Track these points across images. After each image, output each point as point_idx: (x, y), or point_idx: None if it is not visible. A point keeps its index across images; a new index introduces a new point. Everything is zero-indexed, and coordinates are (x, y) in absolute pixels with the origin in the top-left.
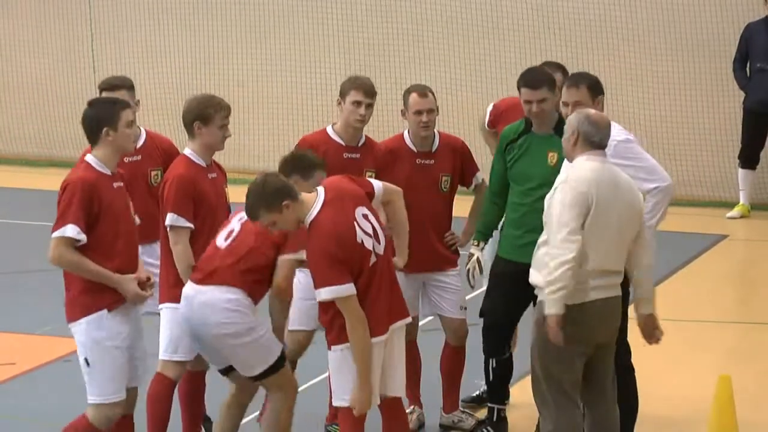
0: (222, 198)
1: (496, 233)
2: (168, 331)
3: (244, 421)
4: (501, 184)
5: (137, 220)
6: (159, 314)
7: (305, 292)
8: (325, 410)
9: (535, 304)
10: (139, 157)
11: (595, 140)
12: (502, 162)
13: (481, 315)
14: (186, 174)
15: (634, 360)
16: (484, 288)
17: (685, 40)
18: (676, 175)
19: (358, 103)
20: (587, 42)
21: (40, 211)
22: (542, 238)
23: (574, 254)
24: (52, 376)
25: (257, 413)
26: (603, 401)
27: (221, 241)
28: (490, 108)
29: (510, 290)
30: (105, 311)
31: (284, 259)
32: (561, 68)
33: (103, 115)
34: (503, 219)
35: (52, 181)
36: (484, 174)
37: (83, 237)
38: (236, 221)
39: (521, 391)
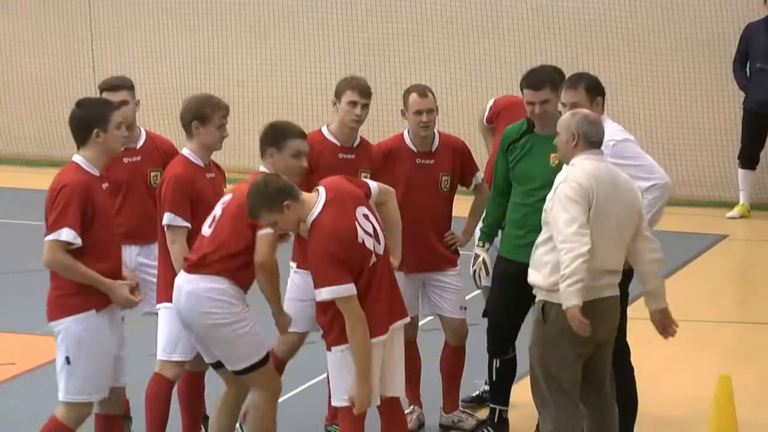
0: (220, 198)
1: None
2: (166, 330)
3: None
4: (504, 184)
5: None
6: (157, 314)
7: (298, 294)
8: (324, 410)
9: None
10: (139, 158)
11: (595, 140)
12: (505, 162)
13: (484, 315)
14: (184, 174)
15: (634, 360)
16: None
17: (684, 40)
18: (676, 175)
19: (354, 104)
20: (587, 42)
21: (40, 211)
22: (541, 238)
23: (588, 247)
24: (52, 376)
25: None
26: (602, 401)
27: (206, 228)
28: (490, 103)
29: (512, 290)
30: (93, 311)
31: (261, 234)
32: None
33: (93, 115)
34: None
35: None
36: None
37: (78, 241)
38: (219, 206)
39: (521, 391)
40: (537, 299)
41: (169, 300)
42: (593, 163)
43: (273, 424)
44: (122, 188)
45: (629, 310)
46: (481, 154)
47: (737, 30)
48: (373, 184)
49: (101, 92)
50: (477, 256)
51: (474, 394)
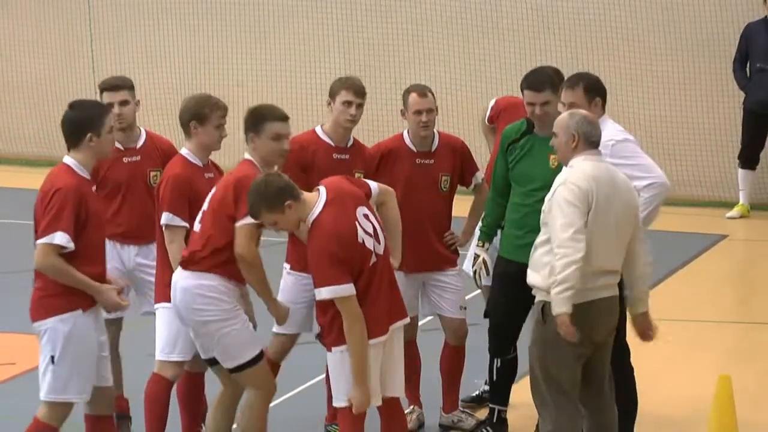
0: None
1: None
2: (165, 330)
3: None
4: (503, 184)
5: None
6: (155, 314)
7: (291, 295)
8: (324, 410)
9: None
10: (139, 158)
11: (594, 140)
12: (504, 162)
13: (485, 316)
14: (182, 173)
15: (634, 360)
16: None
17: (684, 40)
18: (676, 175)
19: (348, 103)
20: (587, 42)
21: None
22: (539, 239)
23: (582, 253)
24: None
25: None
26: (601, 401)
27: (196, 224)
28: (491, 103)
29: (512, 290)
30: (80, 311)
31: (238, 226)
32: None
33: (88, 119)
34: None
35: None
36: (483, 174)
37: (71, 245)
38: (206, 201)
39: (521, 391)
40: (536, 300)
41: (168, 300)
42: (592, 163)
43: (265, 424)
44: (122, 188)
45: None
46: (481, 154)
47: (737, 30)
48: (374, 185)
49: (102, 92)
50: (477, 256)
51: (474, 394)
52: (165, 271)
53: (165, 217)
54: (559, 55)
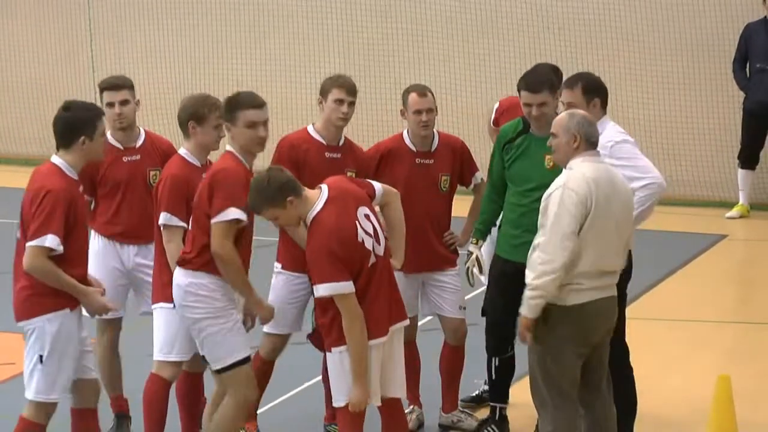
0: None
1: (493, 230)
2: (163, 331)
3: (259, 411)
4: (500, 183)
5: None
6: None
7: (282, 295)
8: (323, 410)
9: None
10: (138, 157)
11: (594, 140)
12: (501, 160)
13: (483, 314)
14: (180, 173)
15: (634, 360)
16: (485, 287)
17: (684, 39)
18: (675, 175)
19: (340, 101)
20: (587, 42)
21: None
22: (536, 240)
23: (564, 261)
24: None
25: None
26: (599, 401)
27: (191, 223)
28: (496, 106)
29: (509, 289)
30: (67, 310)
31: (213, 223)
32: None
33: (83, 121)
34: (500, 217)
35: None
36: (483, 174)
37: (61, 248)
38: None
39: (521, 391)
40: None
41: (166, 300)
42: (591, 165)
43: (235, 428)
44: (121, 187)
45: (628, 310)
46: (481, 154)
47: (737, 30)
48: (378, 186)
49: (102, 91)
50: (470, 253)
51: (473, 394)
52: (163, 272)
53: (163, 217)
54: (559, 55)
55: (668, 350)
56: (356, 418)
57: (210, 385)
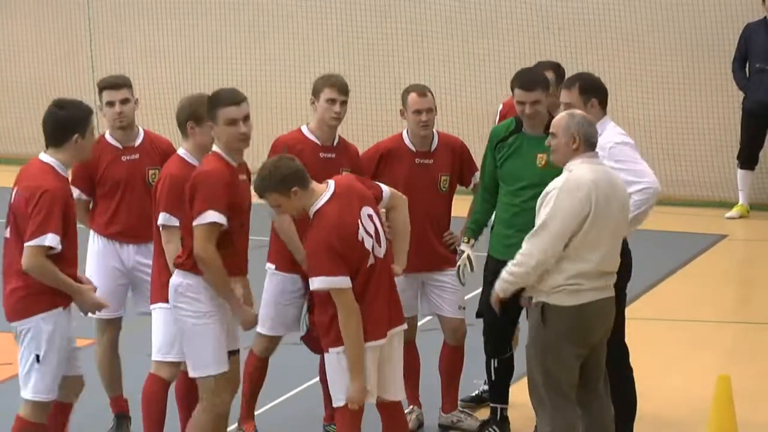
0: None
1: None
2: (161, 331)
3: (257, 412)
4: (492, 182)
5: None
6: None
7: (276, 296)
8: (322, 411)
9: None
10: (137, 156)
11: (594, 141)
12: (493, 160)
13: (478, 316)
14: (179, 173)
15: (634, 360)
16: (480, 288)
17: (684, 39)
18: (675, 175)
19: (332, 101)
20: (586, 42)
21: None
22: (530, 233)
23: (545, 260)
24: None
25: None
26: (597, 401)
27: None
28: (499, 107)
29: None
30: (61, 308)
31: (195, 225)
32: (554, 67)
33: (77, 120)
34: (493, 217)
35: None
36: None
37: (60, 247)
38: None
39: (520, 391)
40: (534, 301)
41: (164, 300)
42: (590, 166)
43: None
44: (120, 187)
45: (627, 310)
46: (481, 154)
47: (737, 30)
48: (386, 189)
49: (102, 90)
50: (461, 252)
51: (473, 394)
52: (162, 272)
53: (162, 218)
54: (558, 56)
55: (668, 350)
56: (354, 418)
57: None
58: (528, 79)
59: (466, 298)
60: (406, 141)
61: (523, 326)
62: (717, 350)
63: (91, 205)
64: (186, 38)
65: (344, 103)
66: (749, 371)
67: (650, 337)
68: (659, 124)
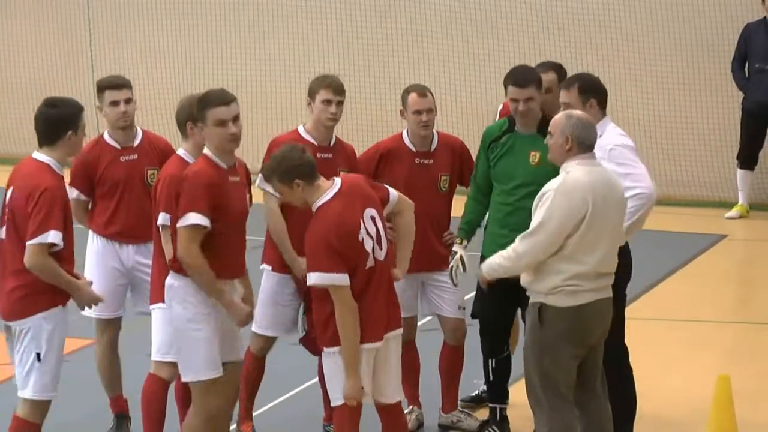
0: None
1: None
2: (161, 331)
3: (257, 412)
4: (485, 183)
5: None
6: (150, 314)
7: (273, 297)
8: (322, 411)
9: (525, 304)
10: (136, 156)
11: (588, 144)
12: (486, 160)
13: (473, 316)
14: (178, 174)
15: (634, 360)
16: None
17: (684, 40)
18: (675, 175)
19: (328, 102)
20: (586, 42)
21: None
22: (525, 232)
23: (536, 259)
24: None
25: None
26: (594, 401)
27: None
28: (499, 108)
29: (498, 289)
30: (60, 307)
31: (177, 227)
32: (555, 68)
33: (70, 117)
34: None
35: None
36: None
37: (62, 244)
38: None
39: (519, 391)
40: (531, 301)
41: (164, 300)
42: (586, 168)
43: None
44: (119, 187)
45: (627, 310)
46: None
47: (736, 30)
48: (394, 193)
49: (104, 90)
50: (454, 253)
51: (473, 394)
52: (161, 272)
53: (161, 218)
54: (558, 55)
55: (668, 350)
56: (352, 417)
57: None
58: (521, 76)
59: (465, 298)
60: (406, 141)
61: (523, 326)
62: (717, 350)
63: (90, 206)
64: (186, 38)
65: (340, 103)
66: (749, 371)
67: (650, 337)
68: (659, 124)
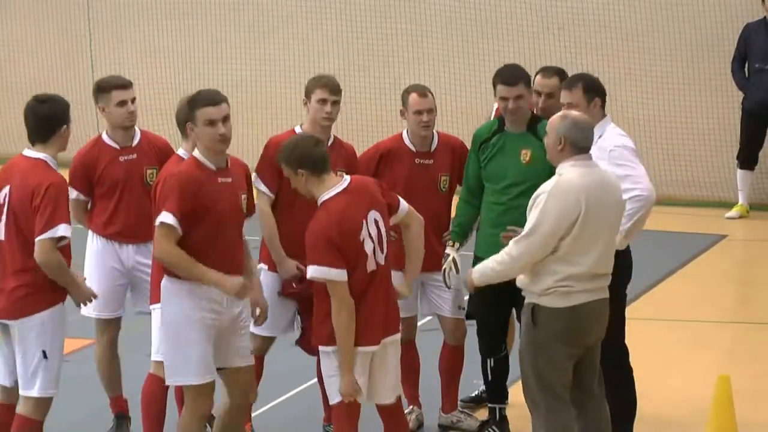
0: None
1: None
2: (160, 331)
3: (256, 412)
4: (476, 184)
5: None
6: (150, 314)
7: (269, 295)
8: (322, 411)
9: (519, 303)
10: (135, 156)
11: (583, 146)
12: (477, 161)
13: (468, 317)
14: None
15: (634, 361)
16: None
17: (683, 40)
18: (675, 175)
19: (323, 101)
20: (586, 42)
21: None
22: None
23: (530, 263)
24: None
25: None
26: (592, 402)
27: None
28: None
29: (493, 289)
30: (61, 304)
31: (155, 225)
32: (558, 73)
33: (61, 112)
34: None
35: None
36: None
37: (70, 236)
38: None
39: (518, 391)
40: (526, 302)
41: None
42: (580, 170)
43: None
44: (118, 187)
45: (627, 310)
46: None
47: (737, 30)
48: (404, 204)
49: (111, 90)
50: (447, 255)
51: (473, 394)
52: (161, 272)
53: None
54: (558, 56)
55: (668, 350)
56: (351, 415)
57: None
58: (510, 75)
59: (465, 298)
60: (406, 141)
61: (518, 326)
62: (717, 350)
63: (89, 206)
64: (186, 39)
65: (336, 103)
66: (749, 371)
67: (650, 337)
68: (659, 124)
